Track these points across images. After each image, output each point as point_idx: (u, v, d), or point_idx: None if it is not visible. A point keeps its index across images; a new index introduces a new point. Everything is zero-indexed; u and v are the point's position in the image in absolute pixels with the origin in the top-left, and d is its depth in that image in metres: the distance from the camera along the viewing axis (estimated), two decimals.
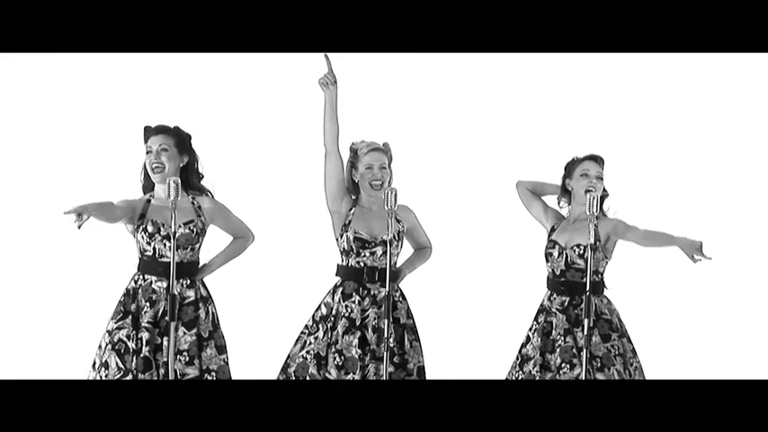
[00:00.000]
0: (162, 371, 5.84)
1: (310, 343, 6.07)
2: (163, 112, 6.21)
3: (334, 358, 6.00)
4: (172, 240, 5.77)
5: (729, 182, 8.18)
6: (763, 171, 8.17)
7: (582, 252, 6.09)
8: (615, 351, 6.09)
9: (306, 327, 6.12)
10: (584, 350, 5.93)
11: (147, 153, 5.97)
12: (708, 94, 8.11)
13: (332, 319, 6.06)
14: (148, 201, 6.00)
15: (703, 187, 8.14)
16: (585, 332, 5.94)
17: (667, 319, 8.08)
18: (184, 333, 5.91)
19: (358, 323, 6.03)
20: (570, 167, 6.19)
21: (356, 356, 5.98)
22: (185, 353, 5.89)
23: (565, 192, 6.23)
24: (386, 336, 5.86)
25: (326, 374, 5.98)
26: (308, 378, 5.98)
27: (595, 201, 5.90)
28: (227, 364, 6.00)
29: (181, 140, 6.00)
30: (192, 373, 5.88)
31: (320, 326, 6.08)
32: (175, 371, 5.83)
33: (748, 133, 8.18)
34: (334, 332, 6.04)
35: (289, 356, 6.10)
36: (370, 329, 6.02)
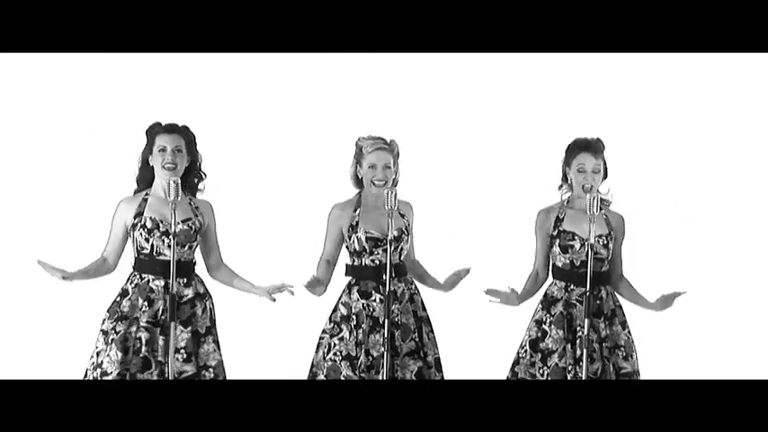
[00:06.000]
0: (162, 369, 5.83)
1: (335, 345, 6.00)
2: (163, 112, 6.20)
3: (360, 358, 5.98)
4: (171, 240, 5.77)
5: (729, 182, 8.18)
6: (762, 170, 8.17)
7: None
8: (632, 336, 6.11)
9: (324, 331, 6.05)
10: (584, 349, 5.93)
11: (161, 151, 5.93)
12: (708, 94, 8.12)
13: (354, 318, 6.03)
14: (144, 199, 6.00)
15: (702, 187, 8.14)
16: (585, 331, 5.93)
17: (665, 318, 8.08)
18: (182, 331, 5.89)
19: (382, 321, 5.98)
20: (569, 155, 6.13)
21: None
22: (183, 350, 5.87)
23: (565, 177, 6.19)
24: (386, 336, 5.84)
25: (361, 375, 5.93)
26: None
27: (595, 201, 5.88)
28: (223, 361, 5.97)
29: (190, 142, 6.00)
30: (190, 370, 5.84)
31: (343, 326, 6.02)
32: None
33: (748, 133, 8.18)
34: (359, 330, 6.01)
35: (313, 364, 6.03)
36: (394, 327, 5.98)
